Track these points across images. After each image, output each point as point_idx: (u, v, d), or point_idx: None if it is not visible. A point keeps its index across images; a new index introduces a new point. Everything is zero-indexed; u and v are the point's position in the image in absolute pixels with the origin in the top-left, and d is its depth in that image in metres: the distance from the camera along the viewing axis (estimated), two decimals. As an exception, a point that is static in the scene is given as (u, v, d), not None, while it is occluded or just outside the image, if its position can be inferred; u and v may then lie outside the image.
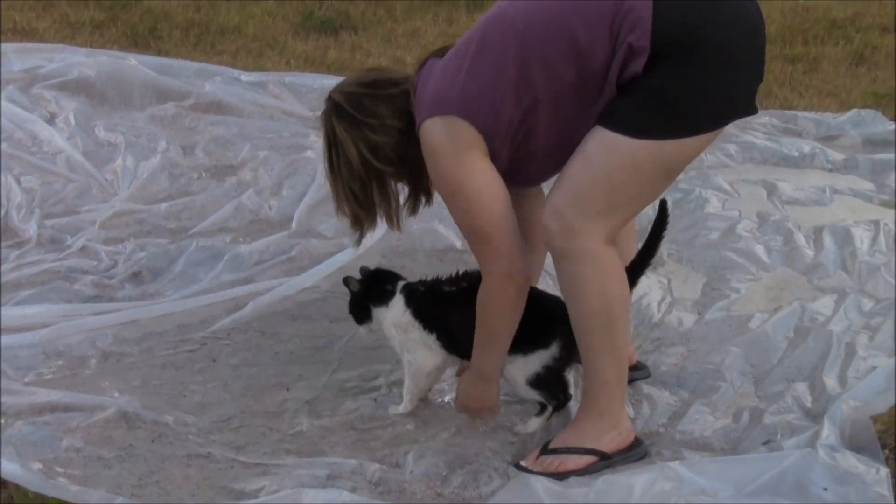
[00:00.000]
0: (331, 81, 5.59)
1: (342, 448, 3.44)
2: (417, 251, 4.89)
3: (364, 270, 3.69)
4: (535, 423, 3.52)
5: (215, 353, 4.05)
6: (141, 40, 7.65)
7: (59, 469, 3.24)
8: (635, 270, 3.39)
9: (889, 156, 5.82)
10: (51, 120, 5.96)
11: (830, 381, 3.67)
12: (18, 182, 5.34)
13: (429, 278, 3.64)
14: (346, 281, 3.66)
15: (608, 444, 3.32)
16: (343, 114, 3.37)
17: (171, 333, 4.17)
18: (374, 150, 3.36)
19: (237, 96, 6.39)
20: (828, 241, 4.76)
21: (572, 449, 3.30)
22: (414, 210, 3.57)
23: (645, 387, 3.73)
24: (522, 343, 3.45)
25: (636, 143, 3.08)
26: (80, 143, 5.75)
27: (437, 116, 3.20)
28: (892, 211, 5.14)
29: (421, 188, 3.51)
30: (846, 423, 3.24)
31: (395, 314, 3.59)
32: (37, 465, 3.22)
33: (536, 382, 3.47)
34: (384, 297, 3.61)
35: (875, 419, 3.30)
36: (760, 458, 3.20)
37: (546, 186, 3.36)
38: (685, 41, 3.03)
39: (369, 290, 3.64)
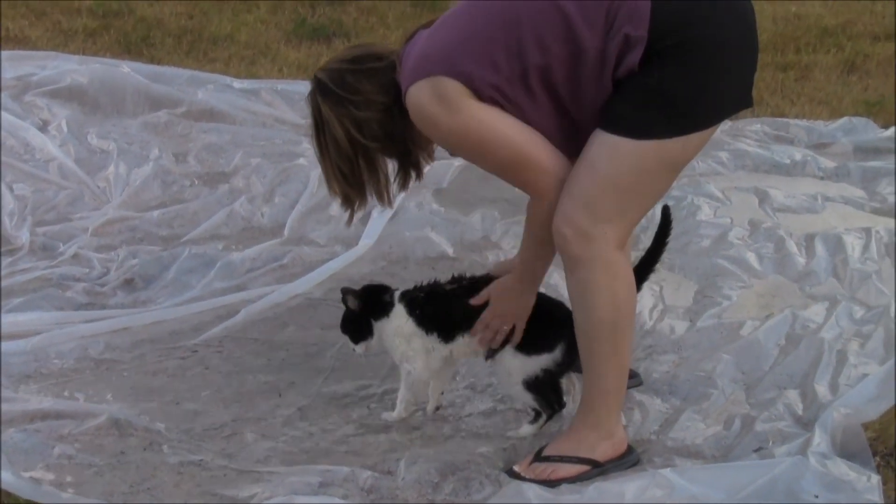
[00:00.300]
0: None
1: (334, 455, 3.44)
2: (409, 259, 4.89)
3: (347, 290, 3.64)
4: (527, 430, 3.52)
5: (207, 360, 4.05)
6: (133, 48, 7.65)
7: (50, 476, 3.23)
8: (639, 276, 3.39)
9: (880, 163, 5.83)
10: (43, 127, 5.95)
11: (822, 389, 3.67)
12: (11, 189, 5.32)
13: (425, 283, 3.64)
14: (345, 296, 3.63)
15: (602, 453, 3.31)
16: (327, 92, 3.34)
17: (163, 341, 4.17)
18: (360, 127, 3.32)
19: (230, 104, 6.39)
20: (819, 248, 4.76)
21: (565, 458, 3.30)
22: (404, 185, 3.51)
23: (636, 394, 3.73)
24: (527, 344, 3.45)
25: (639, 145, 3.09)
26: (73, 151, 5.75)
27: (420, 80, 3.16)
28: (884, 218, 5.15)
29: (410, 163, 3.47)
30: (837, 431, 3.24)
31: (398, 323, 3.57)
32: (28, 473, 3.21)
33: (533, 385, 3.47)
34: (385, 309, 3.59)
35: (866, 426, 3.31)
36: (751, 465, 3.20)
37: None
38: (682, 33, 3.03)
39: (367, 305, 3.62)
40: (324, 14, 8.59)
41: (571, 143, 3.21)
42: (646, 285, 4.37)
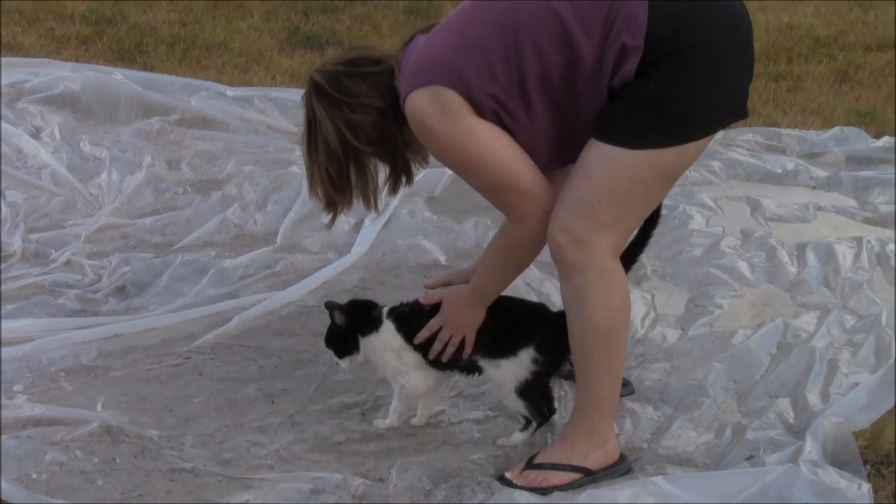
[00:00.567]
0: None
1: (326, 462, 3.43)
2: (402, 267, 4.89)
3: (333, 305, 3.64)
4: (518, 438, 3.52)
5: (200, 367, 4.05)
6: (126, 55, 7.65)
7: (42, 483, 3.23)
8: (626, 260, 3.38)
9: (872, 173, 5.85)
10: (36, 134, 5.96)
11: (813, 397, 3.68)
12: (3, 196, 5.33)
13: (407, 301, 3.65)
14: (331, 311, 3.63)
15: (594, 461, 3.31)
16: (323, 94, 3.34)
17: (155, 348, 4.16)
18: (354, 130, 3.32)
19: (223, 111, 6.40)
20: (811, 257, 4.77)
21: (557, 465, 3.30)
22: (394, 190, 3.51)
23: (628, 402, 3.73)
24: (508, 346, 3.46)
25: (635, 154, 3.09)
26: (66, 158, 5.75)
27: (420, 88, 3.16)
28: (875, 228, 5.17)
29: (401, 168, 3.46)
30: (828, 439, 3.24)
31: (387, 339, 3.58)
32: (20, 480, 3.21)
33: (524, 391, 3.47)
34: (374, 324, 3.59)
35: (857, 435, 3.31)
36: (743, 473, 3.19)
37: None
38: (678, 43, 3.03)
39: (355, 320, 3.62)
40: (317, 22, 8.60)
41: (566, 151, 3.21)
42: (638, 294, 4.42)
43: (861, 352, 3.98)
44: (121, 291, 4.62)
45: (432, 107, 3.15)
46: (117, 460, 3.38)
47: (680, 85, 3.06)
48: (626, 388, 3.77)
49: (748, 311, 4.39)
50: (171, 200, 5.54)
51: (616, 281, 3.21)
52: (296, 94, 6.59)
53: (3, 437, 3.40)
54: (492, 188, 3.25)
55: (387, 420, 3.63)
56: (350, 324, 3.62)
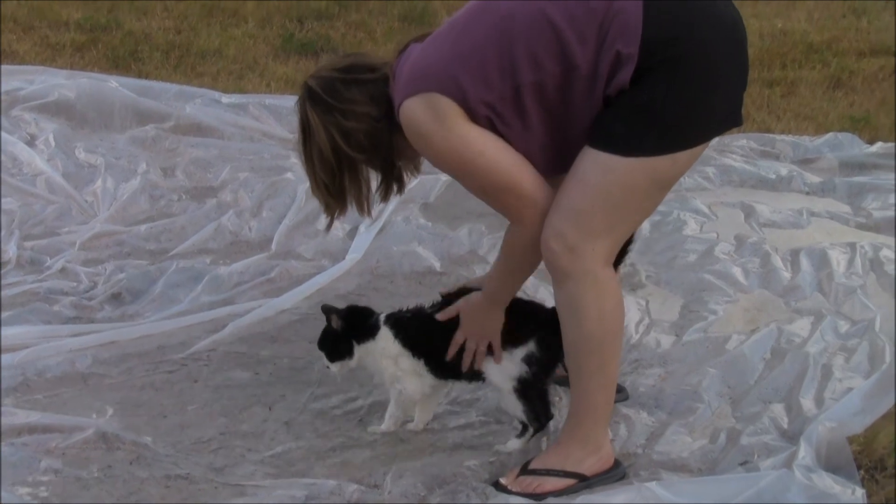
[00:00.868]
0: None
1: (321, 469, 3.44)
2: (396, 273, 4.89)
3: (330, 309, 3.64)
4: (514, 444, 3.52)
5: (195, 374, 4.05)
6: (121, 62, 7.66)
7: (37, 490, 3.23)
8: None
9: (865, 179, 5.86)
10: (31, 142, 5.96)
11: (807, 403, 3.68)
12: (-1, 204, 5.34)
13: (409, 307, 3.66)
14: (328, 314, 3.63)
15: (589, 467, 3.32)
16: (317, 100, 3.34)
17: (150, 355, 4.16)
18: (346, 137, 3.32)
19: (217, 118, 6.40)
20: (805, 263, 4.78)
21: (552, 471, 3.30)
22: (385, 197, 3.51)
23: (623, 408, 3.74)
24: (505, 345, 3.47)
25: (629, 162, 3.09)
26: (60, 165, 5.75)
27: (414, 96, 3.16)
28: (869, 233, 5.18)
29: (393, 176, 3.47)
30: (822, 444, 3.25)
31: (384, 346, 3.58)
32: (15, 487, 3.21)
33: (524, 391, 3.47)
34: (371, 331, 3.60)
35: (851, 440, 3.32)
36: (737, 478, 3.20)
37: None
38: (673, 51, 3.03)
39: (351, 326, 3.63)
40: (311, 29, 8.61)
41: (560, 159, 3.21)
42: (632, 299, 4.43)
43: (855, 357, 3.99)
44: (116, 298, 4.63)
45: (427, 114, 3.15)
46: (112, 467, 3.38)
47: (675, 93, 3.06)
48: (621, 393, 3.77)
49: (742, 316, 4.40)
50: (165, 207, 5.54)
51: (610, 288, 3.22)
52: (290, 101, 6.51)
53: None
54: (489, 192, 3.25)
55: (382, 426, 3.64)
56: (346, 329, 3.62)
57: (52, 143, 5.92)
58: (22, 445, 3.41)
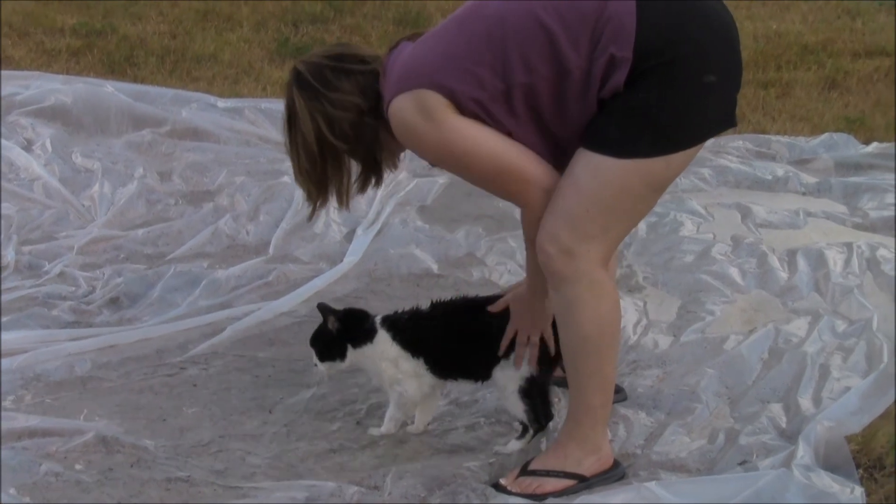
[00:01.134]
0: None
1: (321, 471, 3.44)
2: (394, 276, 4.90)
3: (327, 309, 3.64)
4: (514, 445, 3.53)
5: (194, 377, 4.05)
6: (117, 67, 7.67)
7: (38, 494, 3.23)
8: None
9: (861, 179, 5.87)
10: (27, 147, 5.95)
11: (805, 402, 3.69)
12: (-2, 208, 5.35)
13: (403, 309, 3.67)
14: (325, 314, 3.63)
15: (588, 468, 3.32)
16: (304, 84, 3.34)
17: (149, 358, 4.17)
18: (331, 125, 3.31)
19: (213, 122, 6.40)
20: (801, 263, 4.79)
21: (552, 472, 3.31)
22: (362, 189, 3.50)
23: (621, 408, 3.74)
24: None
25: (623, 164, 3.09)
26: (57, 170, 5.75)
27: (404, 93, 3.16)
28: (865, 233, 5.19)
29: (372, 169, 3.45)
30: (821, 444, 3.26)
31: (383, 349, 3.59)
32: (15, 490, 3.21)
33: (528, 389, 3.49)
34: (368, 335, 3.60)
35: (849, 439, 3.34)
36: (736, 478, 3.21)
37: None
38: (668, 54, 3.03)
39: (348, 329, 3.63)
40: (306, 33, 8.63)
41: (553, 160, 3.21)
42: (630, 300, 4.44)
43: (852, 357, 3.99)
44: (114, 303, 4.63)
45: (416, 110, 3.15)
46: (113, 470, 3.38)
47: (669, 96, 3.07)
48: (619, 394, 3.78)
49: (739, 317, 4.40)
50: (162, 212, 5.54)
51: (605, 290, 3.22)
52: (286, 106, 6.59)
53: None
54: (489, 179, 3.25)
55: (382, 427, 3.64)
56: (342, 332, 3.62)
57: (49, 148, 5.92)
58: (22, 449, 3.41)
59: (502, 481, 3.32)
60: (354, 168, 3.46)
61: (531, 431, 3.53)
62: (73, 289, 4.71)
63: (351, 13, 9.03)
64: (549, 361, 3.50)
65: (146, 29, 8.52)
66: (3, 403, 3.77)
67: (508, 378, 3.50)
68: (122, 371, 4.08)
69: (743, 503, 2.99)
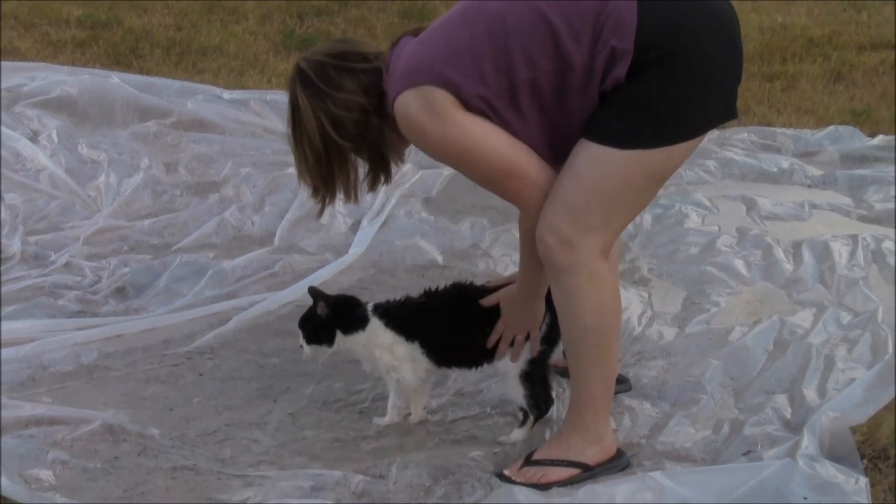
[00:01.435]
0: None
1: (326, 460, 3.45)
2: (399, 267, 4.90)
3: (318, 294, 3.64)
4: (518, 434, 3.54)
5: (199, 367, 4.07)
6: (123, 59, 7.67)
7: (44, 481, 3.24)
8: None
9: (866, 171, 5.87)
10: (33, 138, 5.97)
11: (810, 393, 3.70)
12: (2, 199, 5.35)
13: (395, 298, 3.69)
14: (315, 298, 3.63)
15: (592, 457, 3.33)
16: (308, 83, 3.34)
17: (155, 348, 4.18)
18: (336, 124, 3.32)
19: (219, 114, 6.41)
20: (806, 255, 4.79)
21: (556, 461, 3.31)
22: (373, 187, 3.50)
23: (626, 399, 3.75)
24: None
25: (624, 155, 3.10)
26: (63, 161, 5.77)
27: (408, 90, 3.16)
28: (870, 225, 5.19)
29: (380, 166, 3.46)
30: (825, 434, 3.27)
31: (376, 336, 3.59)
32: (22, 478, 3.22)
33: (529, 373, 3.50)
34: (360, 323, 3.60)
35: (854, 430, 3.34)
36: (741, 468, 3.21)
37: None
38: (668, 46, 3.04)
39: (339, 316, 3.63)
40: (312, 25, 8.63)
41: (557, 155, 3.22)
42: (634, 292, 4.45)
43: (857, 348, 4.00)
44: (120, 293, 4.64)
45: (421, 107, 3.16)
46: (119, 458, 3.39)
47: (670, 88, 3.07)
48: (624, 384, 3.79)
49: (744, 308, 4.41)
50: (168, 202, 5.56)
51: (605, 281, 3.22)
52: (291, 97, 6.59)
53: (6, 436, 3.41)
54: (491, 179, 3.25)
55: (386, 417, 3.65)
56: (332, 318, 3.62)
57: (55, 139, 5.94)
58: (29, 437, 3.42)
59: (506, 471, 3.32)
60: (361, 163, 3.46)
61: (532, 418, 3.54)
62: (80, 279, 4.73)
63: (356, 5, 9.03)
64: (550, 342, 3.51)
65: (152, 21, 8.52)
66: (9, 392, 3.78)
67: (509, 363, 3.51)
68: (129, 360, 4.09)
69: (747, 494, 2.99)
